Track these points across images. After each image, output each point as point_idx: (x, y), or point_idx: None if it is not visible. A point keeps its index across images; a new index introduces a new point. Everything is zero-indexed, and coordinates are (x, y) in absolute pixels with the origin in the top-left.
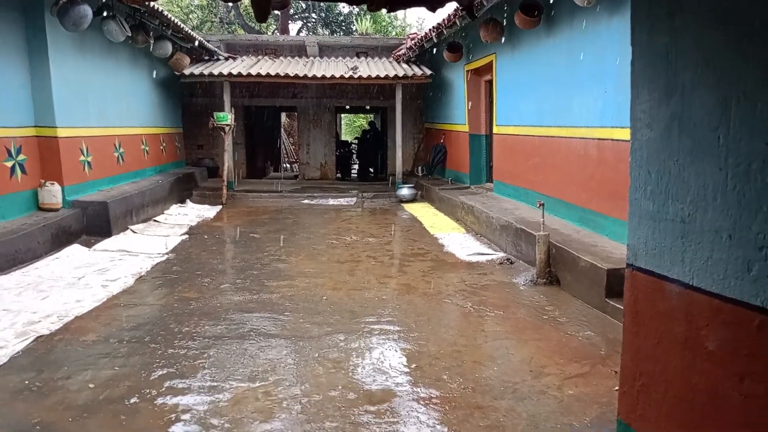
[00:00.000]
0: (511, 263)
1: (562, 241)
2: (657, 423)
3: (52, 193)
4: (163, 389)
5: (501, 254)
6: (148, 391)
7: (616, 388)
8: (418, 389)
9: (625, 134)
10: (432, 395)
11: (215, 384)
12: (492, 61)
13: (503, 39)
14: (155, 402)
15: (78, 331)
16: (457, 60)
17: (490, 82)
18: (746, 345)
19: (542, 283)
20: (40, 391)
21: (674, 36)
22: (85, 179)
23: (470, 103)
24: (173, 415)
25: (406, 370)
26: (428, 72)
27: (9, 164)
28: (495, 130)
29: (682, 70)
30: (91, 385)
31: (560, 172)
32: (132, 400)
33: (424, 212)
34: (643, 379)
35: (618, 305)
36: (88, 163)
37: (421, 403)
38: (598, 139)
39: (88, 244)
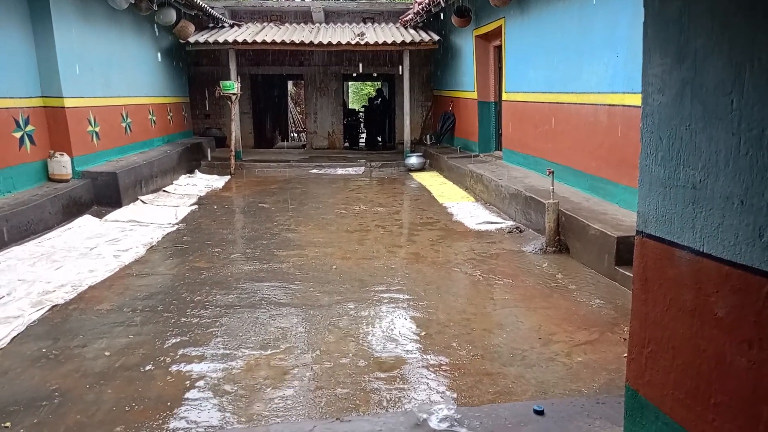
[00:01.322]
0: (521, 232)
1: (571, 209)
2: (665, 389)
3: (62, 164)
4: (177, 357)
5: (510, 223)
6: (162, 358)
7: (625, 355)
8: (428, 356)
9: (636, 100)
10: (441, 362)
11: (228, 352)
12: (501, 26)
13: (512, 3)
14: (170, 369)
15: (92, 300)
16: (466, 25)
17: (499, 48)
18: (755, 311)
19: (552, 251)
20: (56, 358)
21: (687, 0)
22: (93, 150)
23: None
24: (187, 382)
25: (416, 337)
26: (436, 38)
27: (18, 135)
28: (504, 97)
29: (695, 34)
30: (106, 353)
31: (570, 139)
32: (147, 368)
33: (432, 181)
34: (652, 346)
35: (628, 273)
36: (96, 133)
37: (431, 370)
38: (609, 105)
39: (99, 215)
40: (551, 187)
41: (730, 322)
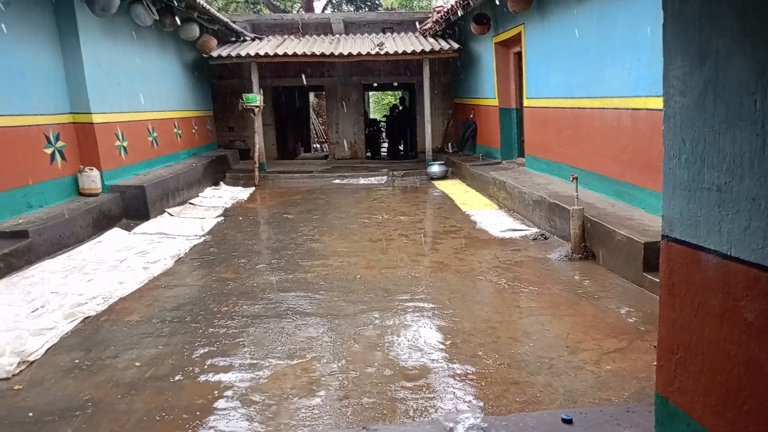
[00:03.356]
0: (546, 239)
1: (597, 215)
2: (694, 396)
3: (91, 179)
4: (206, 367)
5: (535, 230)
6: (191, 368)
7: (655, 362)
8: (454, 365)
9: (659, 103)
10: (468, 371)
11: (255, 361)
12: (520, 32)
13: (532, 9)
14: (198, 379)
15: (122, 311)
16: (485, 32)
17: (519, 54)
18: None
19: (577, 258)
20: (89, 369)
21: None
22: (121, 164)
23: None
24: (216, 392)
25: (441, 346)
26: (455, 46)
27: (49, 151)
28: (525, 103)
29: (716, 35)
30: (137, 364)
31: (593, 144)
32: (176, 378)
33: (455, 189)
34: (681, 352)
35: (656, 279)
36: (124, 148)
37: (457, 379)
38: (632, 109)
39: (128, 228)
40: (575, 193)
41: (760, 326)
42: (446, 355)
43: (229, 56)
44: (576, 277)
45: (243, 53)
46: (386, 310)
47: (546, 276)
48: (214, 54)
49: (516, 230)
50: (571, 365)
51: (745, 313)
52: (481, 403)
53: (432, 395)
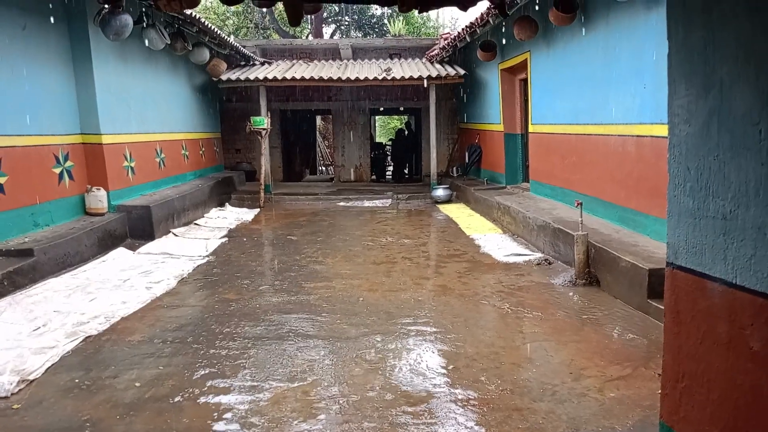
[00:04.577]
0: (549, 264)
1: (601, 240)
2: (700, 425)
3: (98, 198)
4: (206, 388)
5: (539, 255)
6: (191, 390)
7: (660, 390)
8: (456, 391)
9: (664, 130)
10: (470, 397)
11: (255, 384)
12: (526, 59)
13: (537, 36)
14: (198, 401)
15: (124, 331)
16: (491, 59)
17: (524, 81)
18: None
19: (581, 283)
20: (89, 389)
21: (711, 29)
22: (128, 184)
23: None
24: (215, 414)
25: (444, 371)
26: (462, 72)
27: (57, 171)
28: (530, 129)
29: (720, 64)
30: (137, 384)
31: (598, 170)
32: (176, 399)
33: (459, 213)
34: (686, 381)
35: (661, 306)
36: (131, 168)
37: (459, 404)
38: (637, 136)
39: (133, 247)
40: (580, 219)
41: (767, 355)
42: (448, 380)
43: (238, 80)
44: (580, 303)
45: (252, 77)
46: (388, 333)
47: (550, 301)
48: (224, 77)
49: (520, 255)
50: (574, 392)
51: (751, 342)
52: (483, 430)
53: (433, 421)
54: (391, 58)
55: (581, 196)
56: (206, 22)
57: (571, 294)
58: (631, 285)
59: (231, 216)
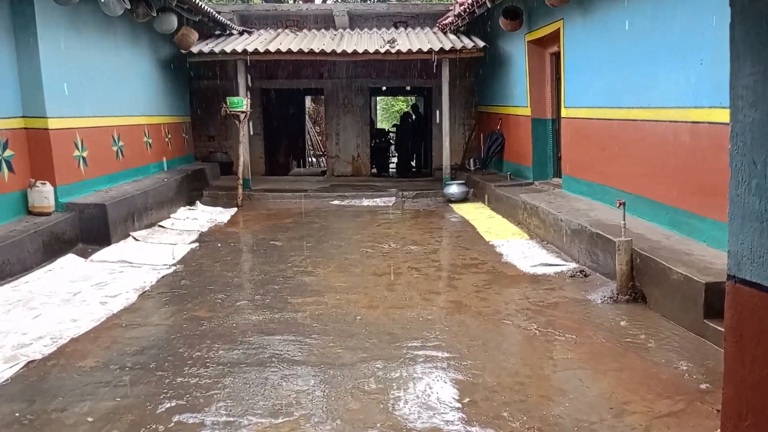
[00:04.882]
0: (585, 276)
1: (648, 248)
2: None
3: (43, 195)
4: (172, 425)
5: (572, 265)
6: (154, 426)
7: (718, 430)
8: (473, 429)
9: (725, 116)
10: None
11: (231, 419)
12: (559, 29)
13: (572, 2)
14: None
15: (74, 355)
16: (516, 29)
17: (556, 55)
18: None
19: (624, 300)
20: (32, 424)
21: None
22: (80, 178)
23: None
24: None
25: (458, 405)
26: (481, 44)
27: None
28: (563, 113)
29: None
30: (89, 419)
31: (645, 163)
32: None
33: (477, 214)
34: (750, 418)
35: (720, 328)
36: (83, 158)
37: None
38: (692, 122)
39: (85, 254)
40: (622, 222)
41: None
42: (463, 415)
43: (212, 52)
44: (622, 324)
45: (228, 49)
46: (392, 359)
47: (586, 321)
48: (195, 50)
49: (550, 265)
50: (615, 431)
51: None
52: None
53: None
54: (396, 27)
55: (624, 194)
56: None
57: (611, 312)
58: (683, 302)
59: (203, 217)
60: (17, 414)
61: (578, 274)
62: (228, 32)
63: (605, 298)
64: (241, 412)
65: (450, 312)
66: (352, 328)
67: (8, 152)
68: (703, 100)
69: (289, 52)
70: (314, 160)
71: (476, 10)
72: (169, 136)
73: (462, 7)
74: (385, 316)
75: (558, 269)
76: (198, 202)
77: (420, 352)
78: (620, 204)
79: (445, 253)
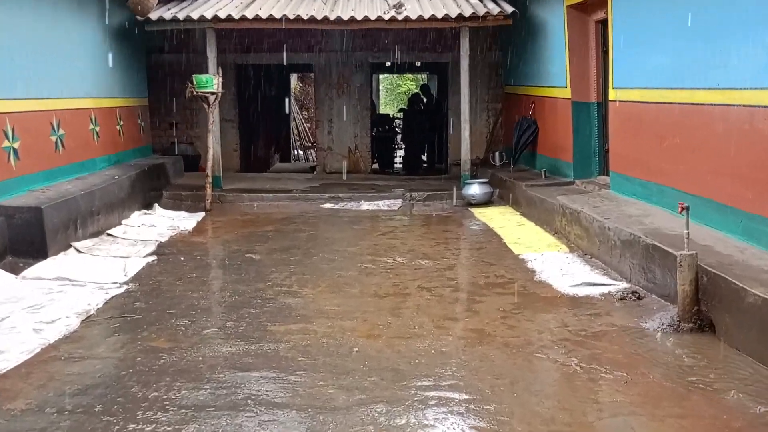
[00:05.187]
0: (639, 299)
1: (717, 264)
2: None
3: None
4: None
5: (623, 285)
6: None
7: None
8: None
9: None
10: None
11: None
12: None
13: None
14: None
15: (1, 395)
16: None
17: (603, 23)
18: None
19: (687, 328)
20: None
21: None
22: (9, 174)
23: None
24: None
25: None
26: (509, 9)
27: None
28: (612, 95)
29: None
30: None
31: (713, 158)
32: None
33: (504, 221)
34: None
35: None
36: (14, 150)
37: None
38: None
39: (15, 270)
40: (685, 231)
41: None
42: None
43: (175, 19)
44: (685, 359)
45: (195, 15)
46: (396, 401)
47: (639, 355)
48: (154, 16)
49: (595, 284)
50: None
51: None
52: None
53: None
54: None
55: (687, 196)
56: None
57: (671, 344)
58: (762, 332)
59: (162, 223)
60: None
61: (630, 295)
62: None
63: (664, 327)
64: None
65: (469, 343)
66: (348, 362)
67: None
68: None
69: (271, 18)
70: (301, 153)
71: None
72: (122, 122)
73: None
74: (388, 348)
75: (605, 290)
76: (156, 204)
77: (432, 393)
78: (683, 209)
79: (464, 270)
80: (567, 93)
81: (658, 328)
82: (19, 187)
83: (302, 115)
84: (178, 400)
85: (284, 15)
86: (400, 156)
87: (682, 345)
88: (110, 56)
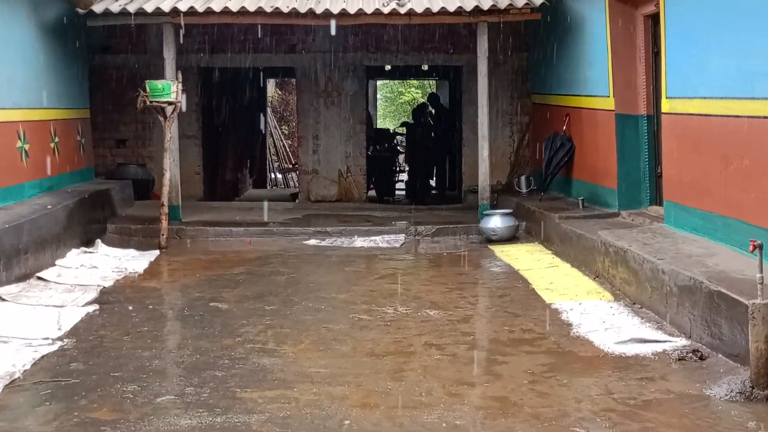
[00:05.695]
0: (701, 359)
1: None
2: None
3: None
4: None
5: (681, 341)
6: None
7: None
8: None
9: None
10: None
11: None
12: None
13: None
14: None
15: None
16: None
17: (654, 17)
18: None
19: (762, 396)
20: None
21: None
22: None
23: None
24: None
25: None
26: (537, 0)
27: None
28: (665, 106)
29: None
30: None
31: None
32: None
33: (532, 261)
34: None
35: None
36: None
37: None
38: None
39: None
40: (759, 275)
41: None
42: None
43: (124, 12)
44: None
45: (150, 7)
46: None
47: (704, 430)
48: (97, 8)
49: (646, 341)
50: None
51: None
52: None
53: None
54: None
55: (760, 232)
56: None
57: (741, 415)
58: None
59: (107, 264)
60: None
61: (690, 355)
62: None
63: (733, 394)
64: None
65: (490, 414)
66: None
67: None
68: None
69: (244, 12)
70: (280, 176)
71: None
72: (57, 139)
73: None
74: (388, 421)
75: (658, 348)
76: (99, 241)
77: None
78: (755, 247)
79: (483, 322)
80: (610, 104)
81: (726, 395)
82: None
83: (281, 130)
84: None
85: (260, 7)
86: (403, 181)
87: (755, 416)
88: (43, 58)
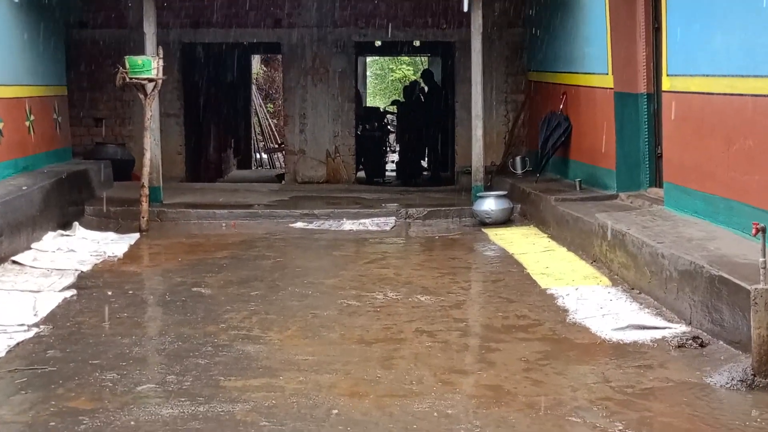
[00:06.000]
0: (702, 345)
1: None
2: None
3: None
4: None
5: (681, 328)
6: None
7: None
8: None
9: None
10: None
11: None
12: None
13: None
14: None
15: None
16: None
17: None
18: None
19: (764, 384)
20: None
21: None
22: None
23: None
24: None
25: None
26: None
27: None
28: (666, 84)
29: None
30: None
31: None
32: None
33: (527, 245)
34: None
35: None
36: None
37: None
38: None
39: None
40: (761, 260)
41: None
42: None
43: None
44: (762, 423)
45: None
46: None
47: (703, 419)
48: None
49: (645, 328)
50: None
51: None
52: None
53: None
54: None
55: (764, 215)
56: None
57: (743, 404)
58: None
59: (84, 247)
60: None
61: (690, 342)
62: None
63: (734, 382)
64: None
65: (483, 403)
66: (324, 429)
67: None
68: None
69: None
70: (265, 157)
71: None
72: (32, 117)
73: None
74: (377, 410)
75: (658, 334)
76: (77, 223)
77: None
78: (758, 230)
79: (476, 308)
80: (608, 81)
81: (727, 383)
82: None
83: (267, 108)
84: None
85: None
86: (394, 162)
87: (756, 405)
88: (17, 33)
